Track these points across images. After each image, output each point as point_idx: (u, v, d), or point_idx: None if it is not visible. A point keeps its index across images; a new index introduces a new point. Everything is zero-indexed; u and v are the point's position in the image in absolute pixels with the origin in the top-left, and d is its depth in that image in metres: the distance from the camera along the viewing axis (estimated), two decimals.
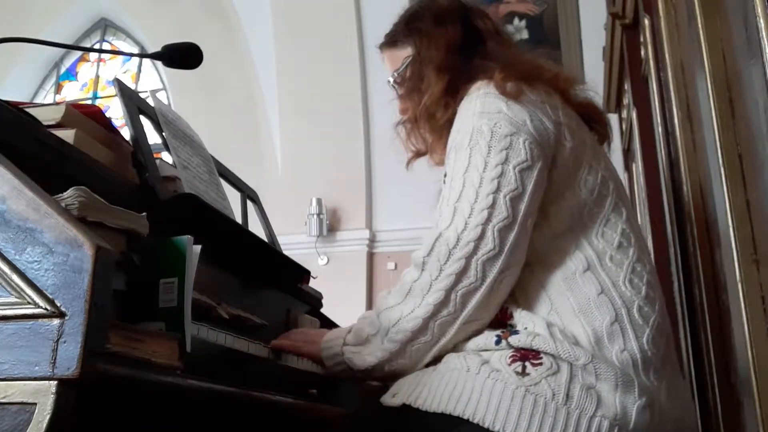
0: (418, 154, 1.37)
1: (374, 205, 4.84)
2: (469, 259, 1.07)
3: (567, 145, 1.15)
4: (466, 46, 1.29)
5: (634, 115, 2.55)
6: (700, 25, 1.31)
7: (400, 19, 1.39)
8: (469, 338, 1.11)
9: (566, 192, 1.15)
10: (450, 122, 1.21)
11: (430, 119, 1.26)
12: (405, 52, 1.34)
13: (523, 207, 1.09)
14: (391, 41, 1.38)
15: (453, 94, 1.23)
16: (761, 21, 1.00)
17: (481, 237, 1.07)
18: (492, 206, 1.08)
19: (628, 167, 3.16)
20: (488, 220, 1.07)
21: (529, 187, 1.09)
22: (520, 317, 1.10)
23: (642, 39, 2.33)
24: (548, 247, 1.14)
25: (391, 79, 1.36)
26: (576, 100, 1.27)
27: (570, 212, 1.14)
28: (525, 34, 4.65)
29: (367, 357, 1.14)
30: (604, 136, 1.31)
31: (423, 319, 1.08)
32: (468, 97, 1.19)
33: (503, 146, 1.11)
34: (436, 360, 1.15)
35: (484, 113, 1.14)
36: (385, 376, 1.15)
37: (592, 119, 1.29)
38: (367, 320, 1.16)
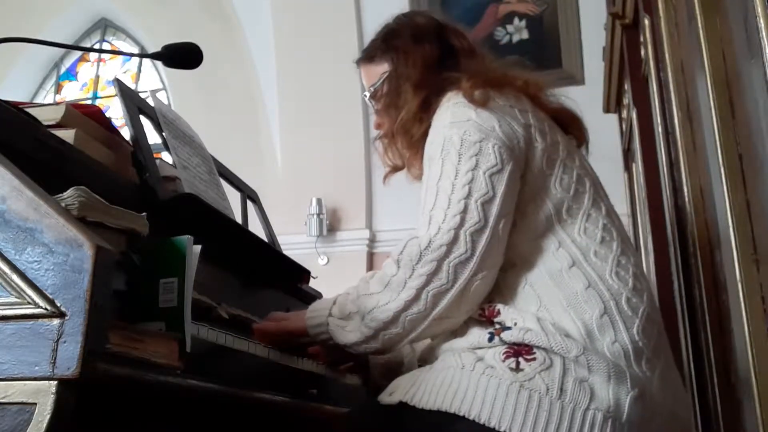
0: (395, 169, 1.40)
1: (374, 205, 4.83)
2: (440, 261, 1.09)
3: (538, 146, 1.18)
4: (440, 62, 1.31)
5: (634, 115, 2.55)
6: (700, 25, 1.31)
7: (378, 36, 1.41)
8: (460, 336, 1.14)
9: (542, 192, 1.17)
10: (424, 136, 1.23)
11: (406, 135, 1.29)
12: (381, 68, 1.37)
13: (494, 210, 1.11)
14: (369, 56, 1.41)
15: (426, 109, 1.26)
16: (761, 21, 1.00)
17: (453, 241, 1.10)
18: (464, 211, 1.11)
19: (628, 167, 3.15)
20: (461, 224, 1.10)
21: (500, 191, 1.12)
22: (507, 314, 1.12)
23: (642, 39, 2.33)
24: (531, 246, 1.16)
25: (368, 94, 1.39)
26: (550, 106, 1.31)
27: (548, 211, 1.17)
28: (525, 34, 4.64)
29: (348, 334, 1.18)
30: (581, 139, 1.35)
31: (394, 313, 1.11)
32: (439, 109, 1.22)
33: (473, 153, 1.13)
34: (432, 358, 1.17)
35: (455, 123, 1.17)
36: (363, 352, 1.21)
37: (566, 123, 1.33)
38: (350, 297, 1.19)
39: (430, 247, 1.10)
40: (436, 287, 1.09)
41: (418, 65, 1.30)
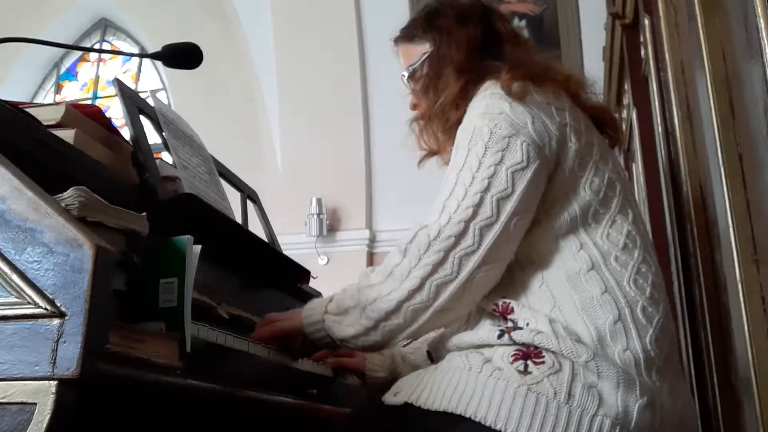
0: (431, 154, 1.37)
1: (374, 205, 4.84)
2: (447, 252, 1.09)
3: (572, 146, 1.16)
4: (483, 47, 1.28)
5: (634, 115, 2.55)
6: (700, 25, 1.30)
7: (419, 15, 1.38)
8: (471, 329, 1.13)
9: (570, 193, 1.15)
10: (459, 122, 1.21)
11: (442, 118, 1.26)
12: (422, 48, 1.33)
13: (509, 207, 1.10)
14: (409, 36, 1.37)
15: (464, 94, 1.23)
16: (761, 21, 1.00)
17: (462, 233, 1.09)
18: (478, 205, 1.10)
19: (628, 167, 3.15)
20: (472, 217, 1.09)
21: (520, 189, 1.10)
22: (521, 312, 1.10)
23: (642, 39, 2.33)
24: (551, 246, 1.14)
25: (406, 74, 1.35)
26: (588, 104, 1.28)
27: (574, 213, 1.14)
28: (525, 34, 4.64)
29: (346, 328, 1.17)
30: (615, 140, 1.32)
31: (397, 302, 1.10)
32: (476, 97, 1.20)
33: (500, 147, 1.12)
34: (439, 358, 1.16)
35: (487, 114, 1.15)
36: (361, 347, 1.20)
37: (604, 123, 1.30)
38: (348, 293, 1.19)
39: (439, 237, 1.09)
40: (440, 278, 1.08)
41: (462, 48, 1.27)
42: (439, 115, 1.26)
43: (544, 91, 1.19)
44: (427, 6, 1.39)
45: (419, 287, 1.09)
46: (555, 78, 1.23)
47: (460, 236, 1.09)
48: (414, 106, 1.36)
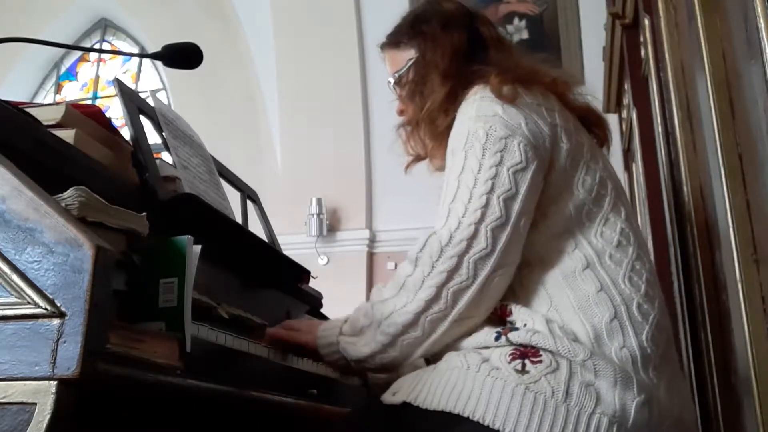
0: (418, 159, 1.37)
1: (374, 205, 4.84)
2: (461, 257, 1.08)
3: (563, 146, 1.17)
4: (469, 52, 1.29)
5: (634, 115, 2.56)
6: (700, 25, 1.31)
7: (404, 20, 1.38)
8: (468, 335, 1.12)
9: (564, 192, 1.16)
10: (449, 128, 1.21)
11: (431, 125, 1.26)
12: (408, 54, 1.34)
13: (516, 207, 1.10)
14: (394, 42, 1.37)
15: (452, 100, 1.24)
16: (761, 21, 1.00)
17: (474, 236, 1.08)
18: (485, 206, 1.09)
19: (628, 167, 3.16)
20: (481, 219, 1.09)
21: (523, 188, 1.11)
22: (519, 314, 1.11)
23: (642, 39, 2.33)
24: (547, 246, 1.15)
25: (392, 80, 1.36)
26: (575, 104, 1.29)
27: (568, 212, 1.15)
28: (525, 34, 4.64)
29: (362, 348, 1.15)
30: (603, 140, 1.33)
31: (414, 314, 1.09)
32: (465, 101, 1.20)
33: (498, 148, 1.12)
34: (437, 358, 1.16)
35: (480, 117, 1.15)
36: (378, 367, 1.17)
37: (592, 123, 1.31)
38: (362, 311, 1.17)
39: (451, 242, 1.08)
40: (457, 284, 1.08)
41: (447, 53, 1.27)
42: (427, 121, 1.26)
43: (532, 93, 1.20)
44: (412, 12, 1.39)
45: (436, 296, 1.08)
46: (542, 80, 1.24)
47: (472, 239, 1.08)
48: (401, 112, 1.36)
